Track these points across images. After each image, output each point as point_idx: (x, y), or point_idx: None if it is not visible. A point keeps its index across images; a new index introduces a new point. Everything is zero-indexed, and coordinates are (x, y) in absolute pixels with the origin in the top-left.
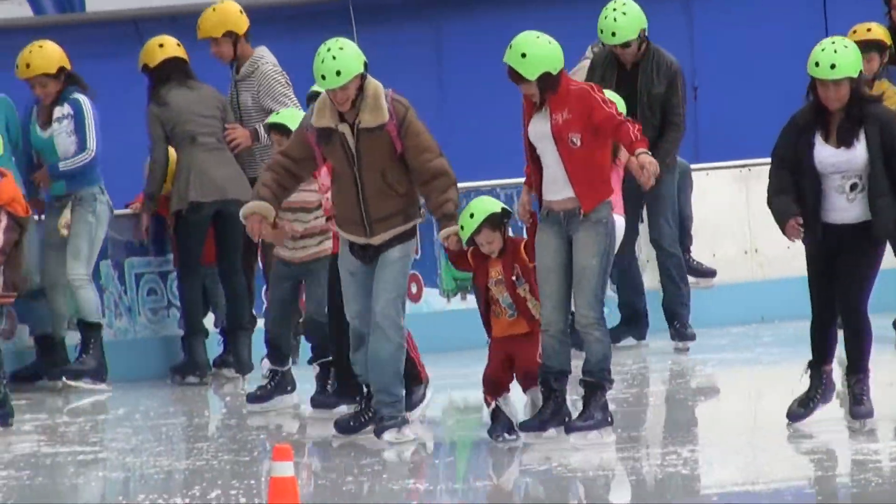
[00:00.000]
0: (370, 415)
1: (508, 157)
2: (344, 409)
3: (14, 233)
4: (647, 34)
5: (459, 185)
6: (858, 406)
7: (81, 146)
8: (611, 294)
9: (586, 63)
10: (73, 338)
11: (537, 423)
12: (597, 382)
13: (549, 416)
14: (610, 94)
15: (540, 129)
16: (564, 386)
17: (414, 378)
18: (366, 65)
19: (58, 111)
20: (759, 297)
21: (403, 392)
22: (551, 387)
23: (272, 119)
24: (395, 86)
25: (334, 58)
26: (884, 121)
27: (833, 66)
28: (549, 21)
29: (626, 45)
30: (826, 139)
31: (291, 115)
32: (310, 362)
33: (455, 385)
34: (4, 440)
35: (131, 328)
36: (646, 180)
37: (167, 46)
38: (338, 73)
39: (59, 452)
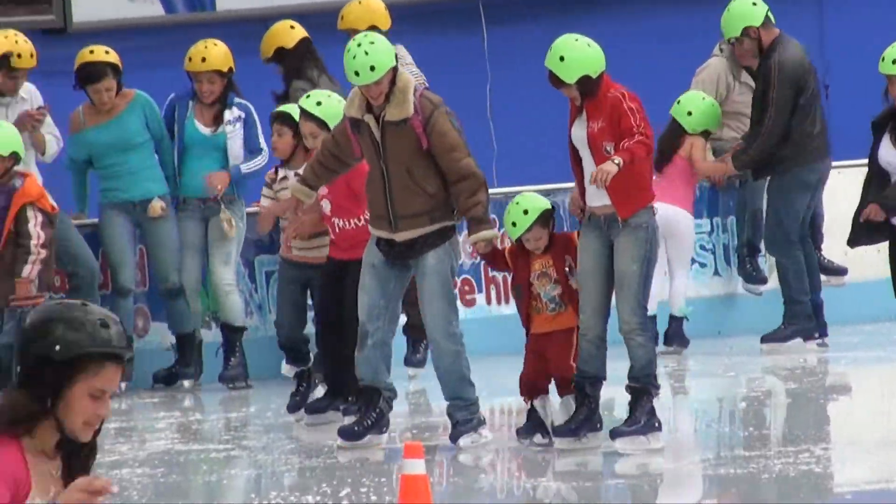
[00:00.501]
0: (374, 418)
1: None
2: (337, 414)
3: (49, 228)
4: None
5: (572, 184)
6: None
7: (253, 149)
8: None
9: (713, 61)
10: (205, 336)
11: (570, 429)
12: (642, 388)
13: (582, 421)
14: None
15: (579, 135)
16: (598, 392)
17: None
18: (396, 57)
19: (228, 114)
20: (891, 294)
21: (475, 395)
22: (585, 392)
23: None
24: (524, 84)
25: (366, 53)
26: None
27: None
28: (675, 21)
29: (738, 40)
30: (894, 141)
31: (293, 107)
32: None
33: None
34: (139, 438)
35: (262, 326)
36: (592, 182)
37: (297, 27)
38: (371, 68)
39: (192, 450)
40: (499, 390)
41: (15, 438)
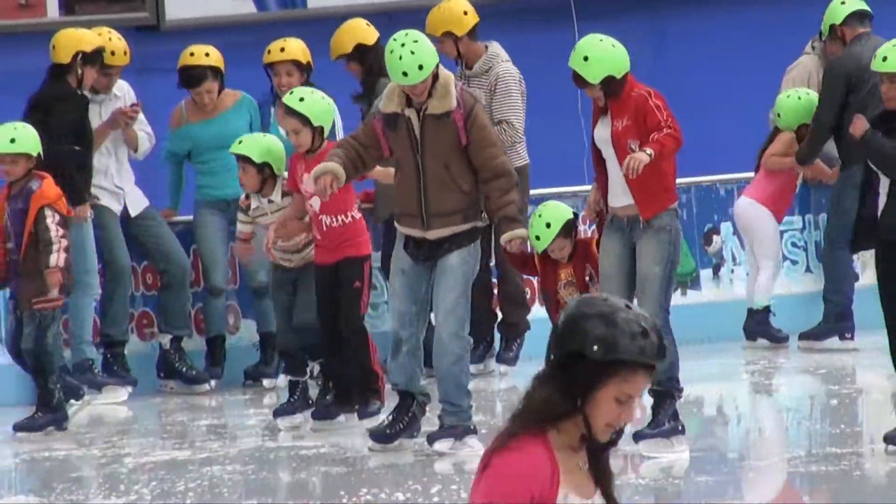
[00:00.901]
0: (406, 421)
1: (729, 152)
2: (343, 419)
3: (66, 231)
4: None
5: (680, 180)
6: None
7: None
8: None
9: (804, 59)
10: None
11: None
12: (665, 391)
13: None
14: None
15: (603, 135)
16: None
17: (373, 392)
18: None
19: None
20: None
21: (468, 402)
22: None
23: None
24: None
25: (412, 52)
26: None
27: (885, 59)
28: (769, 18)
29: (827, 38)
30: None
31: (254, 144)
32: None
33: None
34: (230, 435)
35: None
36: (626, 170)
37: (371, 25)
38: (420, 67)
39: (282, 447)
40: None
41: (542, 433)
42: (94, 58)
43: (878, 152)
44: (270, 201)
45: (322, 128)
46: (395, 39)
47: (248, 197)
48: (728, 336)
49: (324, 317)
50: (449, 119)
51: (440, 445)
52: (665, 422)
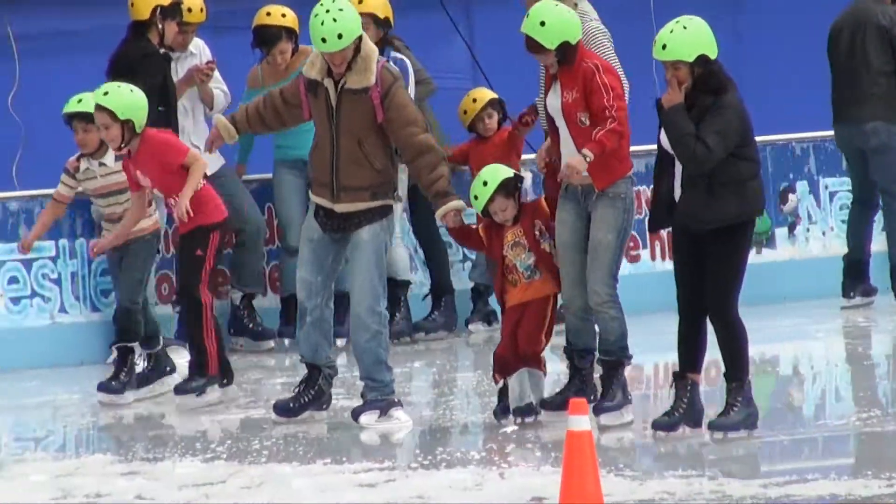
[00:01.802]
0: (312, 394)
1: (804, 113)
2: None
3: None
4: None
5: (760, 138)
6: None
7: None
8: None
9: None
10: None
11: (560, 402)
12: (616, 361)
13: (574, 394)
14: None
15: (554, 104)
16: (590, 364)
17: (200, 367)
18: (361, 25)
19: None
20: None
21: (389, 376)
22: (576, 365)
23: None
24: None
25: (335, 20)
26: (711, 110)
27: (664, 47)
28: None
29: None
30: None
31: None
32: (112, 346)
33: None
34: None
35: (426, 282)
36: (563, 177)
37: None
38: (339, 35)
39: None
40: (660, 346)
41: None
42: (174, 11)
43: (673, 130)
44: (102, 164)
45: (132, 121)
46: (321, 4)
47: (78, 158)
48: (803, 294)
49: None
50: (366, 95)
51: (365, 419)
52: (618, 393)
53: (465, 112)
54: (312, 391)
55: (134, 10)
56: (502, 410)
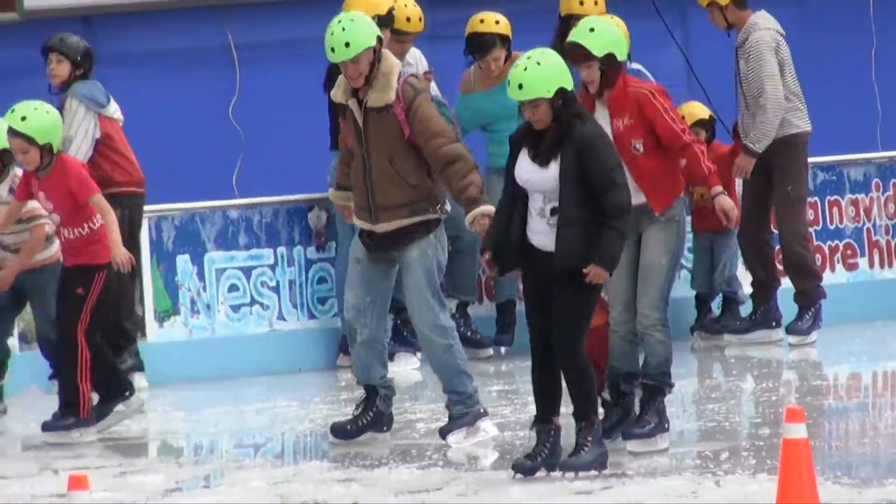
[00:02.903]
0: (371, 416)
1: None
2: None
3: None
4: None
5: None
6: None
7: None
8: None
9: None
10: None
11: (605, 428)
12: (657, 386)
13: (617, 421)
14: None
15: None
16: (633, 388)
17: (72, 406)
18: (379, 39)
19: None
20: None
21: (470, 386)
22: (620, 390)
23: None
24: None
25: (344, 29)
26: (578, 144)
27: (521, 87)
28: None
29: None
30: (533, 156)
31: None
32: (51, 378)
33: None
34: (521, 401)
35: None
36: (729, 224)
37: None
38: (346, 44)
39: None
40: (882, 355)
41: None
42: (389, 19)
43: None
44: None
45: (50, 144)
46: (336, 18)
47: None
48: None
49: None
50: (389, 112)
51: (453, 438)
52: (653, 420)
53: None
54: (371, 413)
55: None
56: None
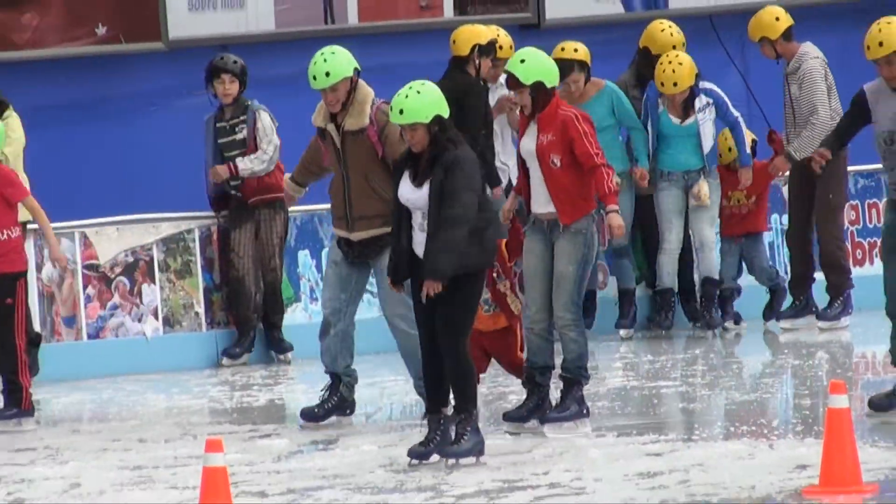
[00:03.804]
0: (335, 401)
1: None
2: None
3: None
4: None
5: None
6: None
7: (729, 124)
8: None
9: None
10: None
11: (521, 414)
12: (574, 378)
13: (533, 408)
14: None
15: (528, 146)
16: (548, 381)
17: (16, 401)
18: (357, 71)
19: (697, 102)
20: None
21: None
22: (536, 381)
23: None
24: None
25: (325, 60)
26: (446, 164)
27: (402, 112)
28: None
29: None
30: (413, 178)
31: None
32: None
33: None
34: (601, 376)
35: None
36: (613, 238)
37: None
38: (327, 73)
39: (644, 386)
40: None
41: None
42: (489, 49)
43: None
44: None
45: None
46: (319, 51)
47: None
48: None
49: None
50: (364, 135)
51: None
52: (571, 406)
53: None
54: (336, 398)
55: (455, 47)
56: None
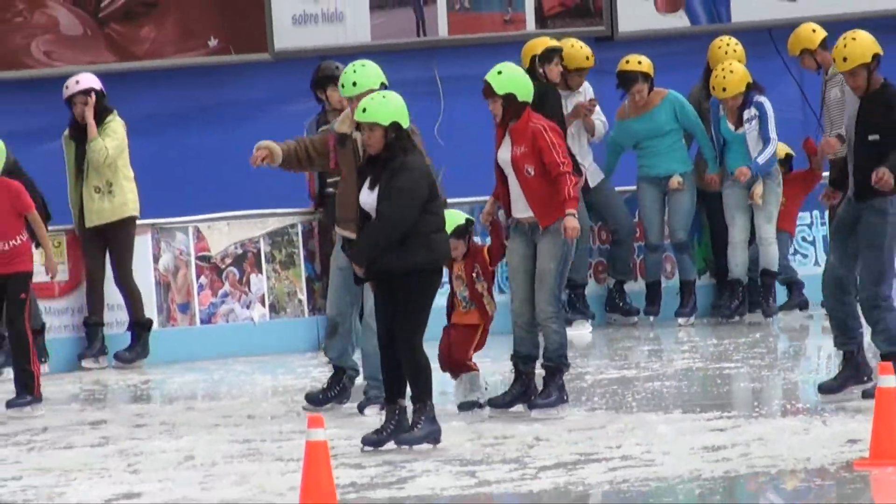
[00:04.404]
0: (338, 390)
1: None
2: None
3: None
4: None
5: None
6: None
7: (764, 139)
8: None
9: None
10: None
11: (506, 401)
12: (555, 367)
13: (517, 394)
14: None
15: (504, 156)
16: (532, 369)
17: (27, 388)
18: (383, 84)
19: (746, 113)
20: None
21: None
22: (520, 370)
23: None
24: None
25: (354, 71)
26: (394, 169)
27: (365, 110)
28: None
29: None
30: (371, 184)
31: None
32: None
33: None
34: (667, 357)
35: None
36: (568, 239)
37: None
38: (354, 83)
39: (709, 367)
40: None
41: None
42: (546, 57)
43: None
44: None
45: None
46: (351, 63)
47: None
48: None
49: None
50: None
51: (369, 411)
52: (554, 393)
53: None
54: (337, 388)
55: (523, 60)
56: (467, 406)
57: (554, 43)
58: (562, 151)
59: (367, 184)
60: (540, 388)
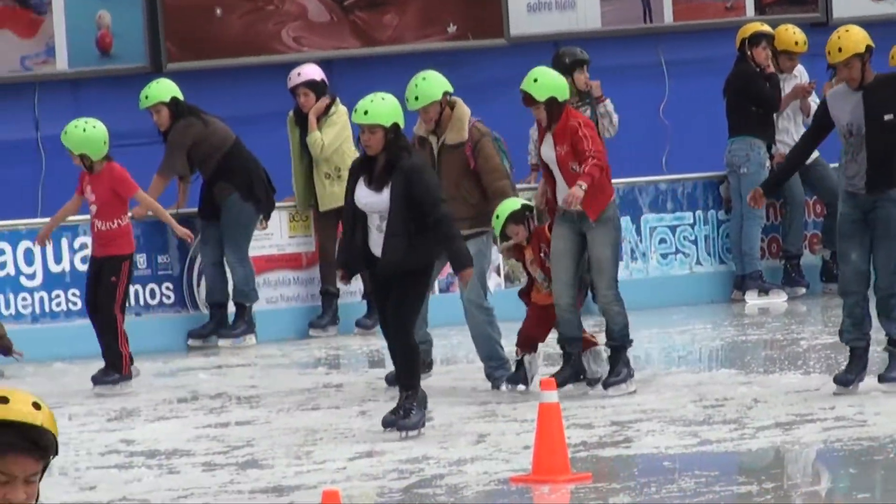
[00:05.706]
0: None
1: None
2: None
3: None
4: None
5: None
6: (404, 419)
7: None
8: None
9: None
10: None
11: (558, 381)
12: (620, 344)
13: (568, 376)
14: None
15: (548, 154)
16: (578, 349)
17: (115, 367)
18: (447, 93)
19: None
20: None
21: (505, 355)
22: (567, 351)
23: None
24: None
25: (416, 86)
26: (407, 171)
27: (366, 113)
28: None
29: None
30: (368, 183)
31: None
32: None
33: None
34: None
35: None
36: (564, 205)
37: None
38: (416, 97)
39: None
40: None
41: None
42: (754, 40)
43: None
44: None
45: (86, 153)
46: (414, 77)
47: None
48: None
49: (89, 300)
50: (461, 148)
51: (505, 387)
52: (623, 370)
53: None
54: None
55: (738, 41)
56: (515, 379)
57: (764, 28)
58: (593, 143)
59: (361, 183)
60: (609, 367)
